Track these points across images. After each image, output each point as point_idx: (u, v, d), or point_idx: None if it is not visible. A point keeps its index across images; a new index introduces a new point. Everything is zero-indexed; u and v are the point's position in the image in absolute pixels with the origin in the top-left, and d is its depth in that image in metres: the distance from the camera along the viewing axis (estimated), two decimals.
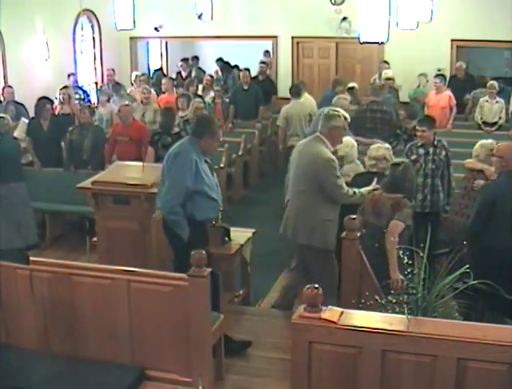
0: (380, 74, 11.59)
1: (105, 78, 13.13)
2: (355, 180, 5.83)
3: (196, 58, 15.32)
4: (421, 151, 6.66)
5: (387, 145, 6.44)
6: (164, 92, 11.42)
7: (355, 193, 5.30)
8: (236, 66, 14.57)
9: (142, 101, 10.27)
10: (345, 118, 5.45)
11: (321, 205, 5.21)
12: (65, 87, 10.24)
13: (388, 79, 10.77)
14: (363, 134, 7.96)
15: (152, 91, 11.30)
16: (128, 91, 11.59)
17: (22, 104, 9.51)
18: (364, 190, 5.35)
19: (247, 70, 11.71)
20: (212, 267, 4.58)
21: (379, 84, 10.90)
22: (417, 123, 6.93)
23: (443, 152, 6.66)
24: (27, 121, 9.00)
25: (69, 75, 11.64)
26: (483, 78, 11.56)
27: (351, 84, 10.78)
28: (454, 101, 10.51)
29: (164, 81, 11.44)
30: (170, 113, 8.27)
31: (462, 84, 11.32)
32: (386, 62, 11.88)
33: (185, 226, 4.92)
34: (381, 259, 5.05)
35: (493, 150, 6.10)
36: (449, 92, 10.50)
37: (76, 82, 11.61)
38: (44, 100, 8.83)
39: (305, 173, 5.32)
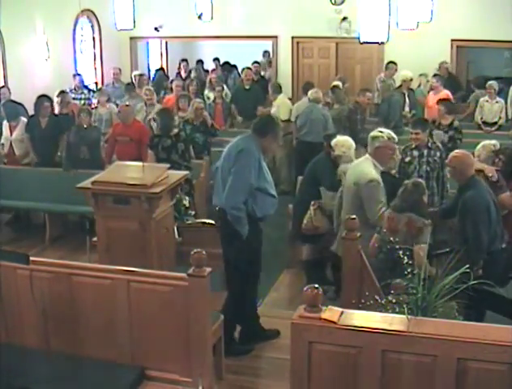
0: (386, 74, 11.56)
1: (106, 78, 13.15)
2: None
3: (201, 62, 15.31)
4: (415, 153, 6.67)
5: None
6: (165, 93, 11.41)
7: None
8: (234, 66, 14.57)
9: (145, 103, 10.22)
10: (389, 138, 5.59)
11: (362, 221, 5.22)
12: (62, 92, 10.18)
13: (411, 79, 10.73)
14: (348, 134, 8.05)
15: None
16: None
17: (21, 104, 9.50)
18: None
19: (249, 68, 11.71)
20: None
21: (396, 84, 10.95)
22: (411, 126, 6.99)
23: (437, 154, 6.66)
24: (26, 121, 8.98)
25: (74, 76, 11.64)
26: (478, 78, 11.53)
27: (335, 83, 10.74)
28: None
29: (176, 83, 11.39)
30: (167, 114, 8.02)
31: (444, 83, 11.23)
32: (393, 63, 11.64)
33: (245, 223, 4.96)
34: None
35: (494, 151, 6.17)
36: (447, 92, 10.41)
37: (82, 82, 11.61)
38: (42, 98, 8.82)
39: (349, 191, 5.60)
